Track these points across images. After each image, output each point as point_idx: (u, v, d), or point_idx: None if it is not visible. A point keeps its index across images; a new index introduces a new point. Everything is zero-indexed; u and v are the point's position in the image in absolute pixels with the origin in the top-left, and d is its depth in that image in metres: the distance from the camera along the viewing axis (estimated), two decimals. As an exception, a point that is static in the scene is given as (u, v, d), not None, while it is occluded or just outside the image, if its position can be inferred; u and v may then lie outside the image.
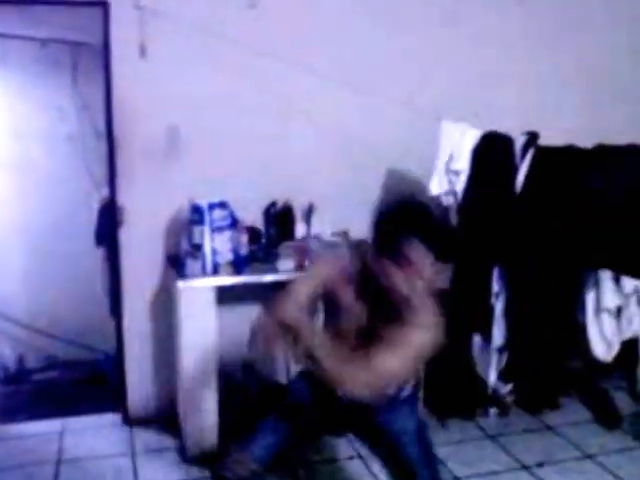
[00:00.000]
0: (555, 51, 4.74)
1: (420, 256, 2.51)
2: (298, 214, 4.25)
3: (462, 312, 3.91)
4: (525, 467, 3.91)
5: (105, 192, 4.32)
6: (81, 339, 5.22)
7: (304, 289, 2.74)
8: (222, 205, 3.84)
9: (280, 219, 4.21)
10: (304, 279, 2.85)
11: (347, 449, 4.06)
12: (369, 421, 2.93)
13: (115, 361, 4.47)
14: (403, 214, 2.64)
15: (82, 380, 5.03)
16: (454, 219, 3.98)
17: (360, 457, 3.96)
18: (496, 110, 4.32)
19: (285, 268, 3.97)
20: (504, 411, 4.47)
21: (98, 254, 4.75)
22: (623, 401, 4.63)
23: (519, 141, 3.87)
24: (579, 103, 4.77)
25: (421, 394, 4.24)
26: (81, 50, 4.85)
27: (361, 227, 4.37)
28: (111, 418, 4.40)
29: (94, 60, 4.41)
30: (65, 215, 5.08)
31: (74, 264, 5.10)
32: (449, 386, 4.31)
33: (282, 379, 4.45)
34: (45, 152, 5.05)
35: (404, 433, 2.86)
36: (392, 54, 4.42)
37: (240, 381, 4.17)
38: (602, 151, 3.73)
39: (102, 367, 5.05)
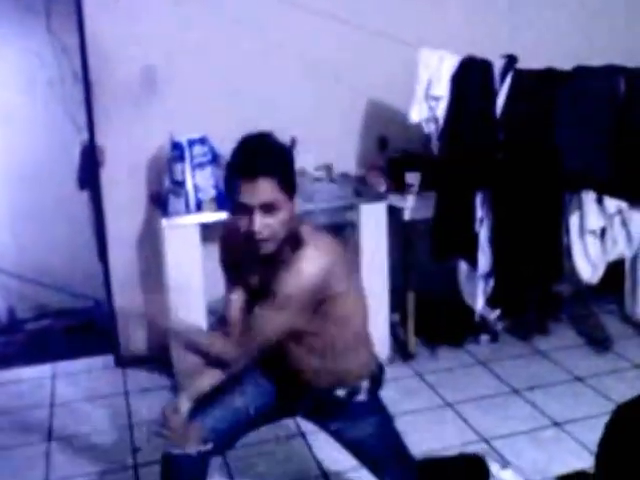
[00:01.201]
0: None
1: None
2: (280, 149, 4.20)
3: (447, 239, 3.92)
4: (516, 391, 3.94)
5: (87, 135, 4.29)
6: (71, 287, 5.22)
7: None
8: (202, 141, 3.82)
9: (262, 154, 4.16)
10: None
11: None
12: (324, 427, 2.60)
13: (105, 307, 4.47)
14: None
15: (74, 328, 5.04)
16: (435, 146, 3.96)
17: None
18: (476, 37, 4.28)
19: (268, 202, 3.95)
20: (494, 337, 4.50)
21: (84, 199, 4.73)
22: (613, 324, 4.66)
23: (498, 65, 3.83)
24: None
25: (411, 326, 4.28)
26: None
27: (345, 160, 4.39)
28: (103, 361, 4.43)
29: (67, 4, 4.35)
30: (49, 161, 5.04)
31: (62, 211, 5.08)
32: (437, 314, 4.33)
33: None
34: (26, 99, 5.01)
35: (361, 442, 2.55)
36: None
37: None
38: (579, 72, 3.72)
39: (93, 315, 5.07)
